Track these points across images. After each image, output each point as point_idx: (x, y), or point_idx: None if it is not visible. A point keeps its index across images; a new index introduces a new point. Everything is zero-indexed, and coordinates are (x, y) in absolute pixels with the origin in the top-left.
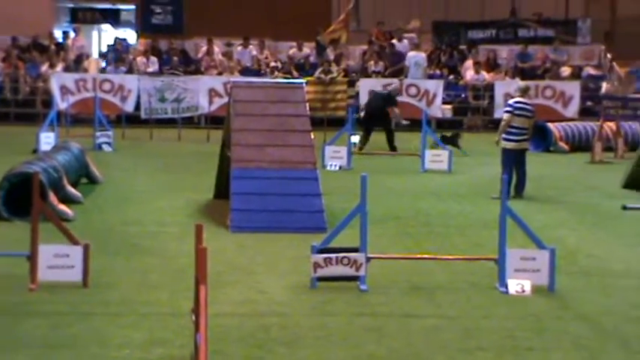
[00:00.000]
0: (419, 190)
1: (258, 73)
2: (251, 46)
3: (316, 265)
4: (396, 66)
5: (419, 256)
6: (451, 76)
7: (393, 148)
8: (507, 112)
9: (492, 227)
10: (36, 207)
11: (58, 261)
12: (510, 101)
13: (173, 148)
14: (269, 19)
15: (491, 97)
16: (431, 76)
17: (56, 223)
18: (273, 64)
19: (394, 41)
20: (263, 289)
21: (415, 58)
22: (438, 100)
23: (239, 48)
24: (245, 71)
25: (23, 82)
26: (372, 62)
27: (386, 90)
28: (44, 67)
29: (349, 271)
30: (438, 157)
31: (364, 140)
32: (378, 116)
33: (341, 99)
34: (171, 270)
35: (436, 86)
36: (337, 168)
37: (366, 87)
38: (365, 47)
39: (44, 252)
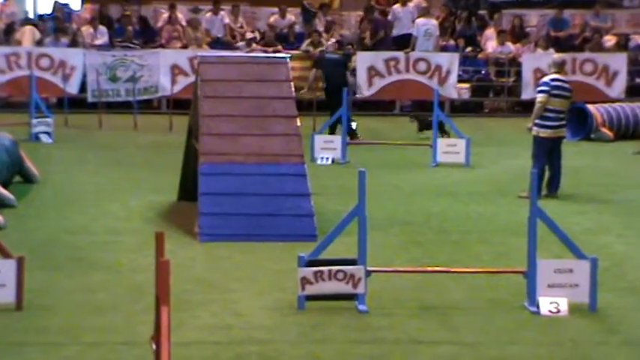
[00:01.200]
0: (430, 189)
1: (231, 45)
2: (222, 12)
3: (304, 281)
4: (377, 36)
5: (430, 269)
6: (468, 48)
7: (352, 132)
8: (542, 91)
9: (520, 233)
10: None
11: None
12: (545, 79)
13: (128, 138)
14: None
15: (518, 74)
16: (444, 48)
17: None
18: (249, 34)
19: (396, 6)
20: (240, 310)
21: (424, 26)
22: (453, 77)
23: (208, 15)
24: (215, 43)
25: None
26: (368, 32)
27: (336, 53)
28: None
29: (345, 287)
30: (452, 148)
31: (334, 126)
32: (340, 89)
33: None
34: (126, 288)
35: (450, 60)
36: (329, 162)
37: (364, 62)
38: (362, 14)
39: None
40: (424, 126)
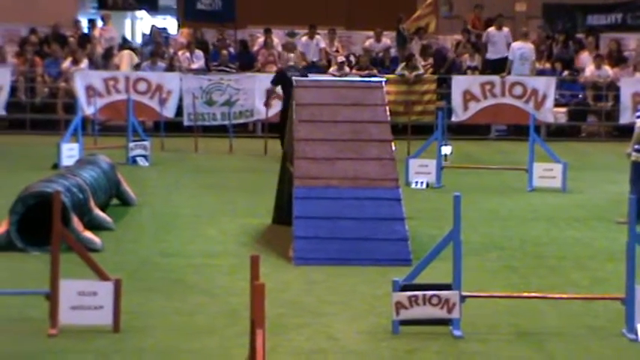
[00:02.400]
0: (526, 214)
1: (326, 70)
2: (318, 37)
3: (399, 306)
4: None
5: (526, 294)
6: (565, 72)
7: None
8: None
9: (618, 259)
10: (56, 234)
11: (83, 300)
12: None
13: (223, 162)
14: (340, 3)
15: (616, 98)
16: (540, 72)
17: (81, 254)
18: (340, 58)
19: (492, 29)
20: (334, 334)
21: (520, 50)
22: (549, 101)
23: (303, 39)
24: (310, 67)
25: (41, 82)
26: (466, 55)
27: (296, 68)
28: (66, 64)
29: (440, 312)
30: (549, 172)
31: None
32: None
33: (429, 101)
34: (222, 311)
35: (546, 84)
36: (424, 186)
37: (459, 86)
38: (458, 37)
39: (66, 289)
40: None
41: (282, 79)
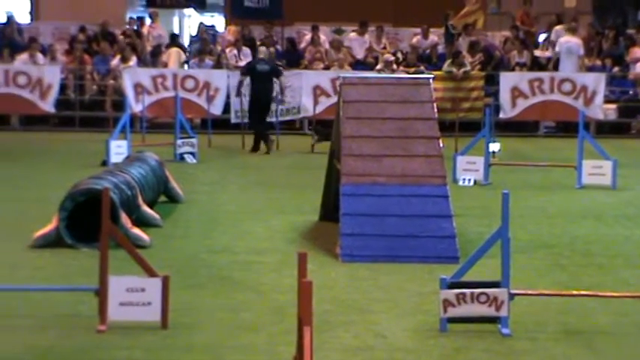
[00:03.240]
0: (575, 211)
1: (373, 67)
2: (365, 34)
3: (447, 303)
4: (488, 58)
5: (575, 292)
6: (616, 68)
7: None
8: None
9: None
10: (105, 231)
11: (131, 296)
12: None
13: (270, 159)
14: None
15: None
16: (590, 69)
17: (129, 251)
18: (387, 56)
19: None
20: (382, 332)
21: (567, 44)
22: (599, 98)
23: (351, 35)
24: (357, 64)
25: (90, 80)
26: (515, 52)
27: (266, 61)
28: (115, 61)
29: (488, 310)
30: (598, 170)
31: (258, 140)
32: (264, 96)
33: (476, 98)
34: (268, 308)
35: (596, 81)
36: (472, 183)
37: (508, 83)
38: (507, 34)
39: (115, 285)
40: (323, 138)
41: (250, 70)
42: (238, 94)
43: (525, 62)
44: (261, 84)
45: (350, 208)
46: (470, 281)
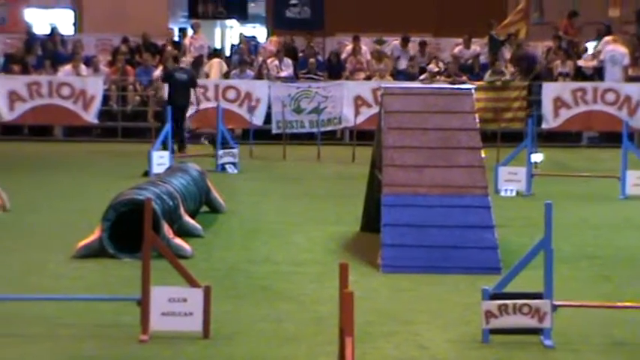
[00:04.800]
0: (618, 222)
1: (415, 77)
2: (409, 45)
3: (489, 315)
4: (529, 68)
5: (619, 304)
6: None
7: (181, 146)
8: None
9: None
10: (147, 241)
11: (173, 306)
12: None
13: (311, 169)
14: (429, 10)
15: None
16: (634, 79)
17: (171, 261)
18: (432, 67)
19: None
20: (423, 343)
21: (611, 52)
22: None
23: (392, 45)
24: (399, 75)
25: (132, 91)
26: (558, 62)
27: (185, 70)
28: (157, 72)
29: (530, 321)
30: None
31: (181, 144)
32: (183, 105)
33: (518, 108)
34: (309, 319)
35: None
36: (514, 194)
37: (550, 93)
38: (549, 43)
39: (157, 295)
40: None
41: (170, 78)
42: (157, 99)
43: (568, 72)
44: (178, 88)
45: (391, 219)
46: (512, 292)
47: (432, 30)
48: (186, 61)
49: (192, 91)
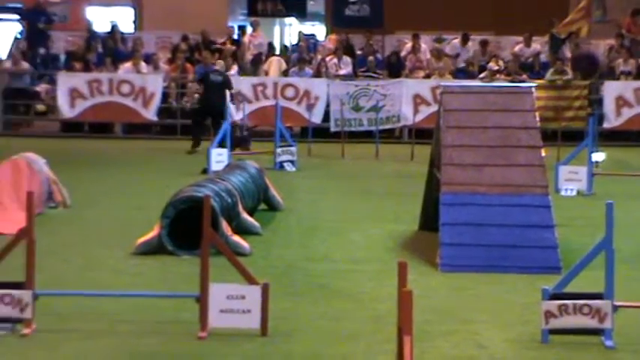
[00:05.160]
0: None
1: (474, 75)
2: (470, 43)
3: (548, 315)
4: (588, 68)
5: None
6: None
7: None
8: None
9: None
10: (206, 238)
11: (231, 304)
12: None
13: (369, 167)
14: (489, 8)
15: None
16: None
17: (230, 258)
18: (492, 65)
19: None
20: (482, 342)
21: None
22: None
23: (452, 43)
24: (459, 73)
25: (192, 88)
26: (620, 60)
27: (219, 72)
28: (233, 71)
29: (591, 322)
30: None
31: (198, 136)
32: (218, 106)
33: (580, 107)
34: (368, 317)
35: None
36: (574, 193)
37: (612, 92)
38: (611, 42)
39: (216, 292)
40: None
41: (204, 79)
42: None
43: (630, 71)
44: (214, 93)
45: (450, 218)
46: (572, 292)
47: (493, 28)
48: (221, 63)
49: (227, 92)
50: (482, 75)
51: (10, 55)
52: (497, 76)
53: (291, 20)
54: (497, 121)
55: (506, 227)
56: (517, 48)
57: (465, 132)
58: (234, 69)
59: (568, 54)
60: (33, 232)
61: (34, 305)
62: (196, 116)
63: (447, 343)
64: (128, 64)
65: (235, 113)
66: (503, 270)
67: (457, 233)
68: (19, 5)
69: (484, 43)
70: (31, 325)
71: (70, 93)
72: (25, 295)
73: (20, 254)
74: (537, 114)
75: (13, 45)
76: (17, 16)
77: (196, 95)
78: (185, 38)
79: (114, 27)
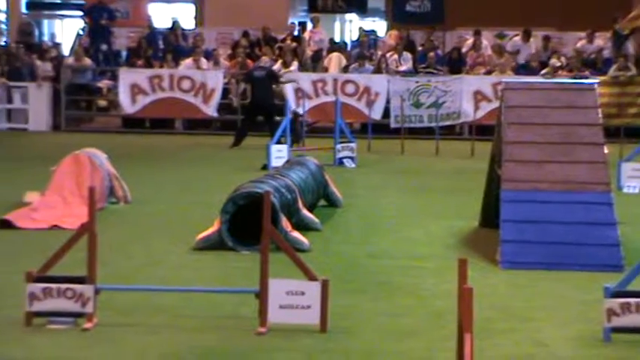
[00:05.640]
0: None
1: (536, 72)
2: (531, 39)
3: (610, 312)
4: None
5: None
6: None
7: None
8: None
9: None
10: (266, 234)
11: (291, 299)
12: None
13: (429, 163)
14: (552, 3)
15: None
16: None
17: (289, 254)
18: (554, 62)
19: None
20: (543, 340)
21: None
22: None
23: (514, 40)
24: (520, 69)
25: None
26: None
27: (264, 67)
28: (276, 66)
29: None
30: None
31: (241, 135)
32: (266, 102)
33: None
34: (428, 314)
35: None
36: (637, 190)
37: None
38: None
39: (275, 288)
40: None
41: (249, 78)
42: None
43: None
44: (259, 89)
45: (510, 215)
46: (635, 290)
47: (556, 24)
48: (264, 59)
49: (273, 86)
50: (543, 71)
51: (73, 51)
52: (560, 72)
53: (351, 16)
54: (559, 118)
55: (568, 225)
56: (579, 44)
57: (526, 128)
58: (294, 65)
59: (631, 50)
60: (95, 227)
61: (95, 300)
62: (246, 114)
63: (508, 341)
64: (189, 60)
65: (295, 105)
66: (564, 267)
67: (518, 230)
68: (81, 2)
69: (546, 39)
70: (93, 319)
71: (131, 89)
72: (86, 289)
73: (82, 249)
74: (600, 111)
75: (75, 41)
76: (80, 13)
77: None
78: (245, 34)
79: (175, 23)
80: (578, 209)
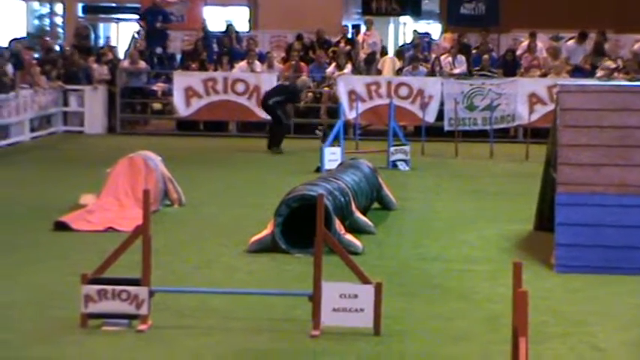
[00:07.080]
0: None
1: (592, 74)
2: (586, 42)
3: None
4: None
5: None
6: None
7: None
8: None
9: None
10: (320, 237)
11: (344, 302)
12: None
13: (483, 166)
14: (608, 5)
15: None
16: None
17: (343, 257)
18: (608, 64)
19: None
20: (598, 344)
21: None
22: None
23: (569, 42)
24: (576, 72)
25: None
26: None
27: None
28: (330, 69)
29: None
30: None
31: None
32: (269, 107)
33: None
34: (482, 317)
35: None
36: None
37: None
38: None
39: (328, 291)
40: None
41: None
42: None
43: None
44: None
45: (565, 218)
46: None
47: (613, 26)
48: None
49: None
50: (599, 74)
51: (128, 54)
52: (615, 74)
53: (405, 19)
54: (615, 121)
55: (624, 228)
56: (636, 46)
57: (581, 131)
58: (348, 68)
59: None
60: (149, 229)
61: (150, 302)
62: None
63: (563, 345)
64: (243, 63)
65: (349, 112)
66: (620, 271)
67: (573, 234)
68: (137, 5)
69: (600, 41)
70: (147, 321)
71: (186, 92)
72: (141, 291)
73: (137, 251)
74: None
75: (130, 44)
76: (136, 16)
77: (310, 94)
78: (299, 37)
79: (229, 26)
80: (635, 213)
